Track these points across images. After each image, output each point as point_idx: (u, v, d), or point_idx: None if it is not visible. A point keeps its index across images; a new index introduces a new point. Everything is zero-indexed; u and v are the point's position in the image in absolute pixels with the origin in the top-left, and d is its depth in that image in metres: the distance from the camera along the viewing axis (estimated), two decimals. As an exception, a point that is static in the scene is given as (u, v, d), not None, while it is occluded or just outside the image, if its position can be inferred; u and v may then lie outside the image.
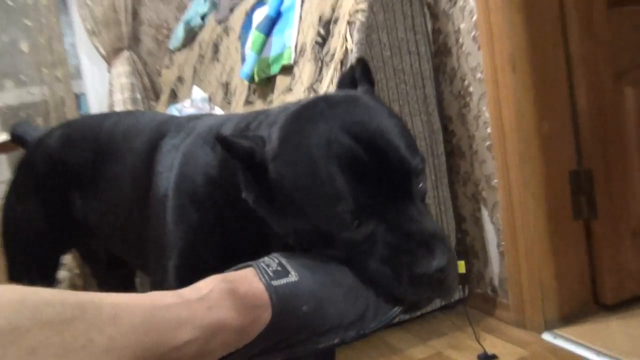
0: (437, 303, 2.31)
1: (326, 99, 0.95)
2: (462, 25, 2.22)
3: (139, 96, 4.53)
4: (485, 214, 2.30)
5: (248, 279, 0.80)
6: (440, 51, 2.34)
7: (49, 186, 1.60)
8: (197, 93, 3.35)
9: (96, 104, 4.83)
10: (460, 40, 2.25)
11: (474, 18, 2.15)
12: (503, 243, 2.22)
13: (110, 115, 1.64)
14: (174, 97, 4.03)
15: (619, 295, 2.18)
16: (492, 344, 2.09)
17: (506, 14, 2.02)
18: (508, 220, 2.16)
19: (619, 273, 2.17)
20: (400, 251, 0.85)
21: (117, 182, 1.37)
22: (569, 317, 2.15)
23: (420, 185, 0.90)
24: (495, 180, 2.20)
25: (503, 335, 2.16)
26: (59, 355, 0.61)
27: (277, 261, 0.85)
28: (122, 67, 4.53)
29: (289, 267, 0.83)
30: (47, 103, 4.57)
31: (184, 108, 3.21)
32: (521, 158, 2.08)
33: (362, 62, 1.03)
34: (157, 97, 4.62)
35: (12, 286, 0.64)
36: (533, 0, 2.05)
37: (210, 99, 3.21)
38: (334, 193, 0.84)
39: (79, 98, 4.81)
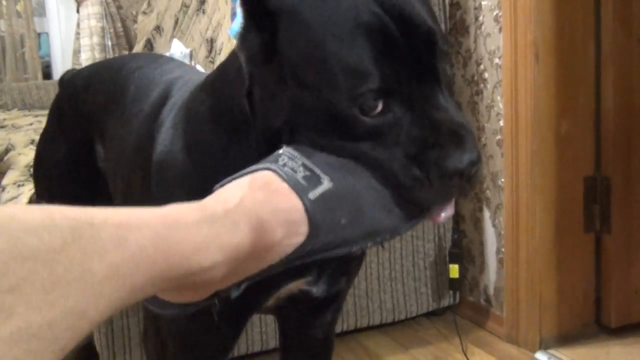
0: (424, 308, 2.35)
1: None
2: (484, 2, 2.24)
3: (109, 43, 4.52)
4: (486, 215, 2.33)
5: (280, 190, 0.76)
6: (457, 29, 2.36)
7: (73, 129, 1.61)
8: (177, 47, 3.34)
9: (59, 47, 4.82)
10: (481, 18, 2.26)
11: (498, -5, 2.16)
12: (503, 249, 2.24)
13: (134, 59, 1.63)
14: (149, 49, 4.03)
15: (625, 318, 2.21)
16: (480, 359, 2.13)
17: (534, -5, 2.03)
18: (511, 225, 2.18)
19: (627, 294, 2.20)
20: (428, 145, 0.83)
21: (121, 146, 1.36)
22: (567, 337, 2.18)
23: (445, 70, 0.89)
24: (502, 180, 2.22)
25: (493, 351, 2.19)
26: (48, 290, 0.58)
27: (300, 162, 0.81)
28: (92, 7, 4.51)
29: (317, 171, 0.80)
30: (3, 40, 4.54)
31: (161, 62, 3.21)
32: (533, 158, 2.09)
33: None
34: (130, 46, 4.61)
35: None
36: (566, -17, 2.06)
37: (192, 55, 3.21)
38: (357, 65, 0.82)
39: (40, 37, 4.79)
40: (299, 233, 0.76)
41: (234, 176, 0.80)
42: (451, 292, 2.37)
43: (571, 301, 2.19)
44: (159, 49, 3.86)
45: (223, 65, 1.06)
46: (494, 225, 2.30)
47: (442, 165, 0.82)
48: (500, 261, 2.28)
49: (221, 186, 0.79)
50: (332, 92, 0.83)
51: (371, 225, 0.82)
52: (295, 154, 0.82)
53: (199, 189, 0.84)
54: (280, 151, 0.83)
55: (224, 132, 0.98)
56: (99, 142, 1.51)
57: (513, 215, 2.18)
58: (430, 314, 2.40)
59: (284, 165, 0.80)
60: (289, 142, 0.87)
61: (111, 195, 1.51)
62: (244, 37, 0.91)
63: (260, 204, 0.74)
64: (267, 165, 0.79)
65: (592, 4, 2.12)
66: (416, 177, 0.83)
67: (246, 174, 0.79)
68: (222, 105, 1.01)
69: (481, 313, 2.37)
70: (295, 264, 0.82)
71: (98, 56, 4.48)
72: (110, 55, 4.52)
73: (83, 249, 0.61)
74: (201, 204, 0.73)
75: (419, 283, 2.33)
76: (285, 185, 0.76)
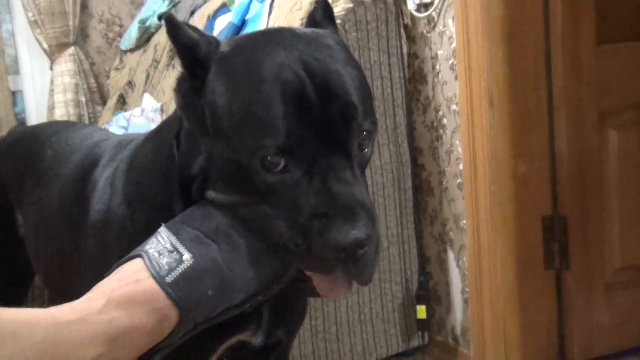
0: (394, 349, 2.38)
1: (292, 29, 0.97)
2: (441, 52, 2.29)
3: (83, 99, 4.54)
4: (451, 256, 2.36)
5: (142, 281, 0.81)
6: (415, 78, 2.41)
7: None
8: (149, 102, 3.38)
9: (34, 104, 4.82)
10: (438, 67, 2.32)
11: (453, 45, 2.22)
12: (468, 289, 2.27)
13: (51, 126, 1.63)
14: (122, 104, 4.05)
15: (588, 352, 2.25)
16: (449, 398, 2.17)
17: (487, 44, 2.09)
18: (474, 265, 2.21)
19: (589, 329, 2.24)
20: (318, 214, 0.83)
21: (41, 210, 1.36)
22: (533, 373, 2.22)
23: (366, 150, 0.90)
24: (464, 222, 2.26)
25: (462, 389, 2.23)
26: None
27: (168, 242, 0.84)
28: (66, 64, 4.53)
29: (181, 249, 0.83)
30: (-22, 99, 4.56)
31: (134, 118, 3.25)
32: (493, 199, 2.13)
33: (323, 3, 1.03)
34: (103, 101, 4.62)
35: None
36: (517, 32, 2.12)
37: (162, 110, 3.25)
38: (267, 119, 0.83)
39: (15, 95, 4.80)
40: (169, 317, 0.81)
41: (116, 265, 0.86)
42: (420, 333, 2.40)
43: (535, 337, 2.22)
44: (131, 103, 3.89)
45: (170, 116, 1.11)
46: (458, 266, 2.34)
47: (324, 237, 0.83)
48: (465, 301, 2.31)
49: (106, 276, 0.84)
50: (239, 142, 0.86)
51: (243, 286, 0.86)
52: (166, 234, 0.86)
53: (136, 243, 0.89)
54: (159, 231, 0.87)
55: (159, 179, 1.01)
56: (17, 209, 1.51)
57: (475, 255, 2.21)
58: (400, 355, 2.42)
59: (154, 248, 0.84)
60: (201, 192, 0.92)
61: (31, 262, 1.51)
62: (179, 83, 0.96)
63: (125, 299, 0.79)
64: (141, 250, 0.85)
65: (543, 50, 2.18)
66: (297, 244, 0.85)
67: (126, 260, 0.85)
68: (161, 151, 1.04)
69: (450, 352, 2.39)
70: (194, 333, 0.86)
71: (72, 112, 4.49)
72: (84, 110, 4.53)
73: None
74: (73, 307, 0.79)
75: (388, 325, 2.36)
76: (147, 275, 0.81)
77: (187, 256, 0.83)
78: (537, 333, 2.23)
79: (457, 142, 2.26)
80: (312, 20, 1.03)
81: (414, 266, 2.39)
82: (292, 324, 1.22)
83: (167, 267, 0.82)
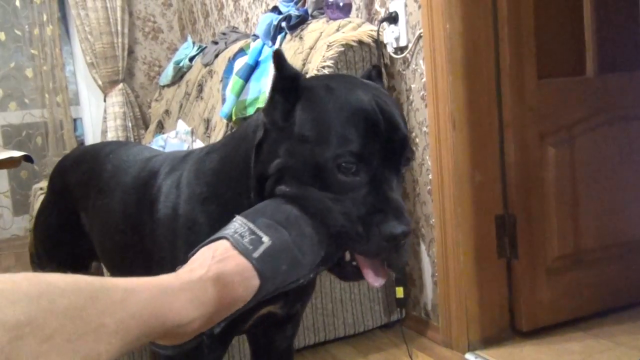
0: (378, 322, 2.36)
1: (360, 78, 1.03)
2: (413, 85, 2.29)
3: (129, 124, 4.55)
4: (423, 247, 2.35)
5: (233, 256, 0.80)
6: (393, 106, 2.40)
7: (62, 202, 1.61)
8: (182, 126, 3.38)
9: (90, 129, 4.84)
10: (411, 97, 2.31)
11: (424, 80, 2.21)
12: (436, 274, 2.26)
13: (108, 145, 1.63)
14: (160, 128, 4.05)
15: (533, 323, 2.24)
16: (422, 361, 2.15)
17: (450, 80, 2.09)
18: (442, 255, 2.21)
19: (533, 305, 2.23)
20: (376, 210, 0.87)
21: (106, 212, 1.36)
22: (489, 340, 2.20)
23: (404, 171, 0.96)
24: (433, 220, 2.25)
25: (433, 354, 2.21)
26: (72, 340, 0.60)
27: (246, 227, 0.84)
28: (116, 97, 4.55)
29: (259, 232, 0.83)
30: (47, 125, 4.57)
31: (169, 138, 3.24)
32: (455, 202, 2.13)
33: (377, 67, 1.10)
34: (146, 126, 4.63)
35: (30, 276, 0.62)
36: (473, 69, 2.12)
37: (193, 132, 3.25)
38: (349, 134, 0.88)
39: (75, 122, 4.81)
40: (253, 285, 0.80)
41: (201, 245, 0.84)
42: (398, 309, 2.38)
43: (491, 312, 2.21)
44: (168, 127, 3.89)
45: (237, 131, 1.12)
46: (428, 255, 2.33)
47: (381, 228, 0.85)
48: (435, 283, 2.30)
49: (192, 255, 0.83)
50: (323, 148, 0.89)
51: (307, 263, 0.86)
52: (244, 220, 0.85)
53: (205, 232, 0.91)
54: (234, 220, 0.86)
55: (227, 180, 1.02)
56: (82, 212, 1.51)
57: (442, 246, 2.20)
58: (382, 327, 2.41)
59: (235, 232, 0.83)
60: (273, 187, 0.93)
61: (89, 252, 1.52)
62: (271, 106, 0.97)
63: (222, 271, 0.78)
64: (224, 234, 0.83)
65: (494, 83, 2.17)
66: (358, 233, 0.86)
67: (210, 242, 0.83)
68: (230, 158, 1.05)
69: (422, 324, 2.38)
70: (263, 299, 0.85)
71: (121, 134, 4.50)
72: (130, 133, 4.54)
73: (98, 307, 0.64)
74: (179, 275, 0.77)
75: (373, 303, 2.35)
76: (236, 252, 0.80)
77: (265, 238, 0.82)
78: (492, 309, 2.22)
79: (427, 157, 2.26)
80: (368, 76, 1.08)
81: (393, 255, 2.36)
82: (305, 298, 1.25)
83: (250, 247, 0.81)
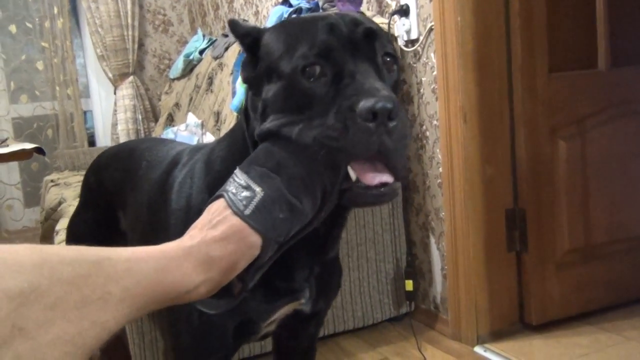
0: (387, 315, 2.37)
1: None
2: (424, 79, 2.28)
3: (139, 117, 4.56)
4: (432, 241, 2.35)
5: (227, 217, 0.79)
6: (404, 99, 2.39)
7: (98, 199, 1.60)
8: (192, 119, 3.39)
9: (101, 121, 4.85)
10: (422, 91, 2.30)
11: (434, 73, 2.21)
12: (446, 267, 2.26)
13: (144, 142, 1.61)
14: (170, 120, 4.06)
15: (543, 317, 2.24)
16: (432, 354, 2.15)
17: (461, 73, 2.08)
18: (451, 248, 2.20)
19: (543, 299, 2.23)
20: (346, 97, 0.80)
21: (137, 208, 1.36)
22: (498, 334, 2.20)
23: (392, 73, 0.90)
24: (443, 213, 2.24)
25: (441, 347, 2.21)
26: (78, 307, 0.62)
27: (242, 180, 0.83)
28: (126, 90, 4.56)
29: (252, 185, 0.82)
30: (57, 117, 4.58)
31: (179, 131, 3.25)
32: (466, 195, 2.12)
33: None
34: (155, 119, 4.64)
35: (33, 246, 0.63)
36: (484, 62, 2.11)
37: (203, 125, 3.25)
38: (305, 41, 0.85)
39: (86, 114, 4.83)
40: (254, 242, 0.79)
41: (206, 203, 0.85)
42: (407, 302, 2.39)
43: (500, 305, 2.21)
44: (178, 120, 3.89)
45: (233, 125, 1.12)
46: (438, 249, 2.32)
47: (356, 109, 0.78)
48: (444, 276, 2.30)
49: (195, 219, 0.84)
50: (285, 63, 0.87)
51: (308, 204, 0.83)
52: (240, 172, 0.84)
53: None
54: (234, 172, 0.86)
55: (234, 165, 0.99)
56: (119, 209, 1.50)
57: (452, 240, 2.20)
58: (392, 320, 2.41)
59: (232, 188, 0.83)
60: (262, 128, 0.90)
61: None
62: (243, 65, 0.98)
63: (217, 233, 0.78)
64: (222, 191, 0.83)
65: (505, 77, 2.17)
66: (333, 127, 0.80)
67: (212, 200, 0.84)
68: (235, 143, 1.05)
69: (431, 317, 2.38)
70: (282, 251, 0.85)
71: (131, 127, 4.51)
72: (140, 126, 4.55)
73: (104, 276, 0.66)
74: (181, 243, 0.78)
75: (383, 295, 2.35)
76: (230, 212, 0.80)
77: (258, 189, 0.81)
78: (502, 301, 2.22)
79: (437, 150, 2.25)
80: None
81: (402, 249, 2.38)
82: (330, 295, 1.22)
83: (244, 202, 0.80)
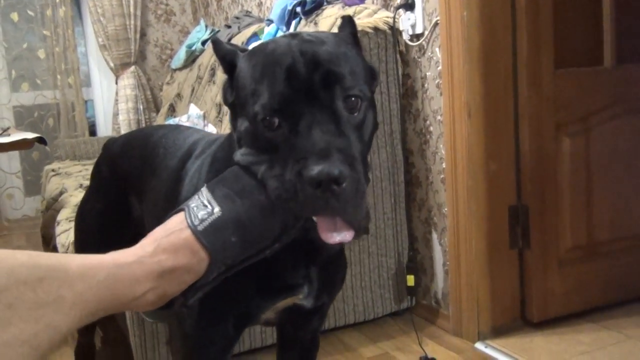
0: (388, 309, 2.37)
1: (294, 32, 0.98)
2: (429, 73, 2.27)
3: (141, 107, 4.55)
4: (434, 236, 2.34)
5: (182, 230, 0.82)
6: (408, 94, 2.39)
7: (110, 187, 1.59)
8: (194, 110, 3.38)
9: (102, 111, 4.84)
10: (426, 85, 2.29)
11: (439, 68, 2.20)
12: (448, 263, 2.26)
13: (161, 128, 1.61)
14: (172, 111, 4.05)
15: (544, 314, 2.23)
16: (432, 349, 2.14)
17: (466, 68, 2.07)
18: (453, 244, 2.20)
19: (545, 296, 2.23)
20: (299, 158, 0.80)
21: (154, 195, 1.36)
22: (499, 330, 2.20)
23: (356, 114, 0.86)
24: (446, 209, 2.24)
25: (442, 342, 2.20)
26: (33, 308, 0.64)
27: (205, 198, 0.85)
28: (128, 79, 4.55)
29: (213, 203, 0.84)
30: (59, 106, 4.57)
31: (181, 122, 3.24)
32: (469, 191, 2.12)
33: (346, 18, 1.02)
34: (157, 109, 4.63)
35: None
36: (489, 57, 2.10)
37: (204, 117, 3.24)
38: (261, 89, 0.84)
39: (87, 103, 4.81)
40: (202, 257, 0.82)
41: (168, 215, 0.87)
42: (409, 297, 2.39)
43: (501, 302, 2.21)
44: (179, 111, 3.88)
45: None
46: (440, 244, 2.32)
47: (302, 175, 0.79)
48: (446, 272, 2.30)
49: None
50: (251, 109, 0.86)
51: (260, 235, 0.85)
52: (205, 191, 0.87)
53: None
54: (201, 189, 0.88)
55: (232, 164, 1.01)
56: (133, 196, 1.50)
57: (454, 236, 2.20)
58: (392, 314, 2.41)
59: (194, 204, 0.85)
60: (235, 157, 0.92)
61: (136, 237, 1.52)
62: (224, 86, 0.98)
63: (169, 244, 0.81)
64: (184, 205, 0.86)
65: (510, 72, 2.15)
66: (288, 183, 0.81)
67: (175, 212, 0.86)
68: (232, 145, 1.04)
69: (432, 313, 2.38)
70: (229, 274, 0.86)
71: (132, 117, 4.50)
72: (142, 116, 4.54)
73: (57, 280, 0.68)
74: (133, 251, 0.81)
75: (384, 290, 2.35)
76: (185, 225, 0.83)
77: (217, 209, 0.83)
78: (503, 298, 2.21)
79: (441, 145, 2.24)
80: (340, 25, 1.02)
81: (404, 244, 2.37)
82: (334, 290, 1.21)
83: (200, 219, 0.83)
